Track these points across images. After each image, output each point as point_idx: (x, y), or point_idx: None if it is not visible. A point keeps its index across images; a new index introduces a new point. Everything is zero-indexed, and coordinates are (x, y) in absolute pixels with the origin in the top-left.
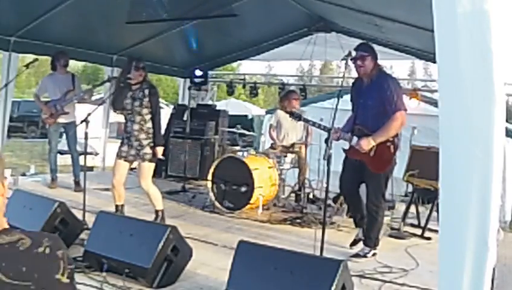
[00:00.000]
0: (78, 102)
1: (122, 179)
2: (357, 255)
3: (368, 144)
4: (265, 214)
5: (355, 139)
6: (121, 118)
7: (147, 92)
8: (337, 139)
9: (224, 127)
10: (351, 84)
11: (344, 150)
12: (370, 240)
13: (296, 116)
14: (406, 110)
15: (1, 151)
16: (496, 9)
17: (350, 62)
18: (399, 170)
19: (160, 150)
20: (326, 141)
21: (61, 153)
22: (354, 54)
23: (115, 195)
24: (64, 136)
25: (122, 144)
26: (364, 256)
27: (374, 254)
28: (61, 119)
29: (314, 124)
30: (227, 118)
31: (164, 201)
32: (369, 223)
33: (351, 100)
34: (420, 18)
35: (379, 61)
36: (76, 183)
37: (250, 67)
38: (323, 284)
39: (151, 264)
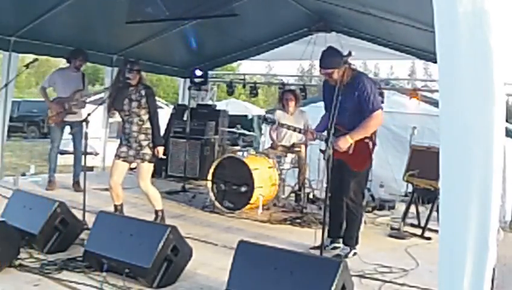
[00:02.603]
0: (87, 102)
1: (119, 180)
2: (337, 256)
3: (345, 142)
4: (265, 214)
5: (331, 138)
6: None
7: (143, 92)
8: (314, 139)
9: (224, 127)
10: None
11: (321, 151)
12: (351, 239)
13: (270, 122)
14: (382, 109)
15: (1, 151)
16: (496, 9)
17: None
18: (399, 170)
19: (160, 149)
20: (326, 140)
21: (61, 153)
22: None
23: (112, 195)
24: (66, 135)
25: (120, 144)
26: (346, 257)
27: (354, 254)
28: (68, 118)
29: (289, 127)
30: (227, 118)
31: (164, 201)
32: (349, 221)
33: (324, 99)
34: (421, 16)
35: (380, 61)
36: (76, 183)
37: (250, 67)
38: (323, 284)
39: (151, 264)
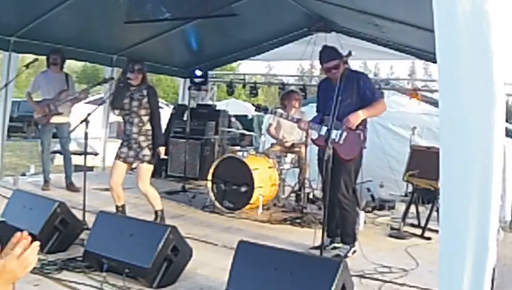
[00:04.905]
0: (73, 102)
1: (119, 180)
2: (337, 256)
3: (356, 117)
4: (265, 214)
5: (324, 128)
6: (121, 118)
7: (145, 92)
8: (306, 130)
9: (224, 127)
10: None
11: (312, 140)
12: (348, 236)
13: (263, 109)
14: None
15: (1, 151)
16: (496, 9)
17: (320, 66)
18: (399, 170)
19: (162, 150)
20: (326, 140)
21: (61, 153)
22: (328, 62)
23: (113, 196)
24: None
25: (121, 145)
26: (346, 256)
27: (354, 252)
28: (55, 120)
29: (281, 115)
30: (227, 118)
31: (164, 201)
32: (342, 218)
33: (318, 99)
34: (420, 17)
35: (380, 61)
36: (70, 183)
37: (250, 67)
38: (323, 284)
39: (151, 264)
